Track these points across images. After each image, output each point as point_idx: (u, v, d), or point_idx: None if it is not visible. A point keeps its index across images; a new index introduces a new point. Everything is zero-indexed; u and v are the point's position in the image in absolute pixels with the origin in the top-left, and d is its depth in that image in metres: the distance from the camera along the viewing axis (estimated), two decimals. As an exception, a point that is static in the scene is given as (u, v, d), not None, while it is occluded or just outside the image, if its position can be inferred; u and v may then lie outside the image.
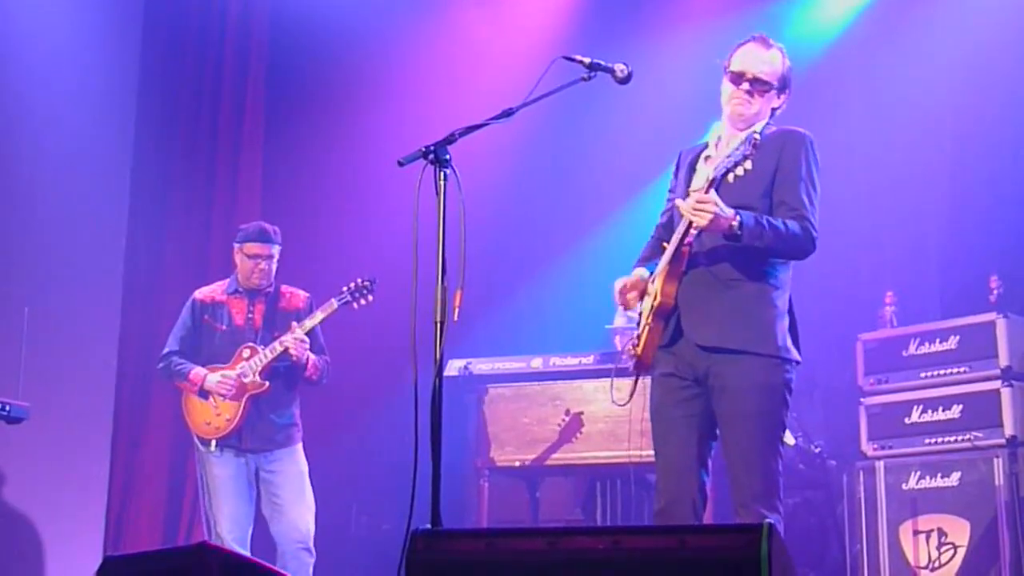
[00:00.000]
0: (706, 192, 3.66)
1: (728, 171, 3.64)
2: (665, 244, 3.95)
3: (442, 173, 3.52)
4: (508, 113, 3.70)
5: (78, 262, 6.83)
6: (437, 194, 3.52)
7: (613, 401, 4.26)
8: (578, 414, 5.95)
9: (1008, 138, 6.62)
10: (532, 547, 2.78)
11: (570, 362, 6.20)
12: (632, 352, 4.00)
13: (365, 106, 7.73)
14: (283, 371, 5.58)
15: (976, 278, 6.09)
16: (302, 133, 7.82)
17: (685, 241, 3.81)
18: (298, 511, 5.49)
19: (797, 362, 3.89)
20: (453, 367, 6.29)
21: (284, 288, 5.78)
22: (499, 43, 7.69)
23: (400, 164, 3.56)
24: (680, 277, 3.84)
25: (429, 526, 3.15)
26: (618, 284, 4.03)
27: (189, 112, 7.62)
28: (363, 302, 5.52)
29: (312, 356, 5.56)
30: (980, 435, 5.51)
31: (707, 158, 4.00)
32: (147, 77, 7.47)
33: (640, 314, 4.01)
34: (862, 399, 5.93)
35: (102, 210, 7.09)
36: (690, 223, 3.70)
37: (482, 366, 6.38)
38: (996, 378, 5.53)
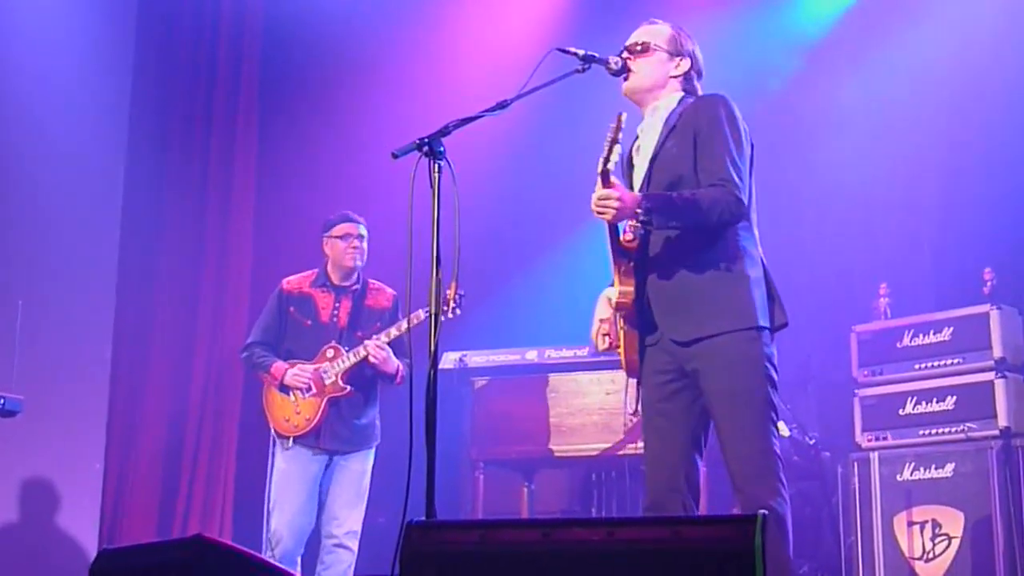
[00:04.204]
0: (603, 186, 3.60)
1: (607, 159, 3.58)
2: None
3: (436, 165, 3.52)
4: (503, 105, 3.69)
5: (72, 255, 6.82)
6: (431, 186, 3.51)
7: (628, 412, 4.20)
8: (573, 406, 5.96)
9: (1001, 129, 6.62)
10: (527, 538, 2.78)
11: (565, 354, 6.21)
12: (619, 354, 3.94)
13: (359, 99, 7.72)
14: (367, 374, 5.51)
15: (970, 270, 6.10)
16: (296, 126, 7.80)
17: (621, 238, 3.75)
18: (340, 507, 5.45)
19: (783, 325, 3.78)
20: (448, 359, 6.30)
21: (372, 283, 5.70)
22: (494, 35, 7.68)
23: (394, 156, 3.55)
24: (630, 272, 3.76)
25: (424, 518, 3.15)
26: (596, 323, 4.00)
27: (183, 106, 7.61)
28: (451, 315, 5.19)
29: (399, 364, 5.47)
30: (974, 426, 5.52)
31: (639, 148, 3.98)
32: (141, 72, 7.46)
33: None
34: (856, 391, 5.94)
35: (96, 203, 7.08)
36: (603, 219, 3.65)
37: (477, 358, 6.38)
38: (990, 369, 5.55)
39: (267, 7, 7.79)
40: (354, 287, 5.64)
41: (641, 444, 4.08)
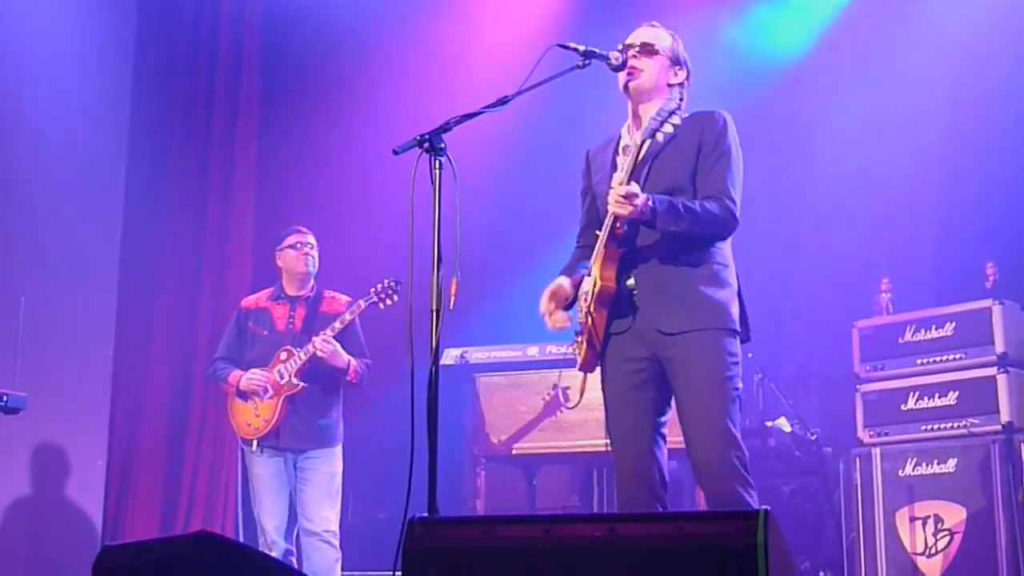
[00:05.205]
0: (628, 183, 3.67)
1: (647, 140, 3.68)
2: (597, 232, 3.93)
3: (437, 162, 3.52)
4: (503, 101, 3.69)
5: (74, 252, 6.83)
6: (432, 183, 3.51)
7: (564, 406, 4.23)
8: (574, 402, 5.96)
9: (1003, 123, 6.62)
10: (529, 534, 2.78)
11: (566, 350, 6.20)
12: (577, 349, 3.99)
13: (360, 96, 7.72)
14: (324, 373, 5.60)
15: (972, 265, 6.10)
16: (296, 123, 7.81)
17: (616, 226, 3.79)
18: (317, 506, 5.54)
19: (746, 340, 3.90)
20: (449, 356, 6.30)
21: (326, 293, 5.83)
22: (494, 31, 7.68)
23: (395, 153, 3.55)
24: (617, 259, 3.82)
25: (426, 514, 3.16)
26: (546, 295, 4.03)
27: (184, 103, 7.62)
28: (389, 303, 5.56)
29: (350, 359, 5.58)
30: (976, 421, 5.52)
31: (624, 147, 3.99)
32: (142, 69, 7.47)
33: (580, 309, 3.98)
34: (858, 386, 5.94)
35: (97, 201, 7.09)
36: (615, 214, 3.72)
37: (478, 355, 6.38)
38: (992, 364, 5.54)
39: (267, 4, 7.78)
40: (307, 295, 5.79)
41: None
